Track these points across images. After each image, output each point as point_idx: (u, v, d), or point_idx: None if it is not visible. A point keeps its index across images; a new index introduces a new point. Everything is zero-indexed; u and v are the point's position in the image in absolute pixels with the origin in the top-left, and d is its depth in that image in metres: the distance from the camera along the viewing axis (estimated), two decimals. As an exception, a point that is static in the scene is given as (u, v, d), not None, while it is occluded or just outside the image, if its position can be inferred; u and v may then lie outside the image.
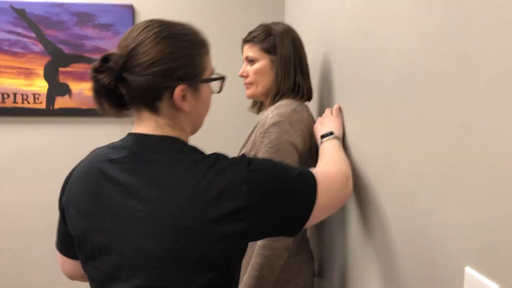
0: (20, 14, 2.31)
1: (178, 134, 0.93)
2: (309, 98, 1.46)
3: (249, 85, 1.45)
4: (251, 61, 1.43)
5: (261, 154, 1.28)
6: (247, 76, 1.44)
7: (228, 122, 2.49)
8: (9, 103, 2.33)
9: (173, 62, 0.89)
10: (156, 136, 0.91)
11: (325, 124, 1.30)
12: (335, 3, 1.43)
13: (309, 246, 1.50)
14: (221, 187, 0.84)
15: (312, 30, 1.78)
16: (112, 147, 0.93)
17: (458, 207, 0.71)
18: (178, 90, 0.89)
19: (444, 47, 0.74)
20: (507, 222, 0.60)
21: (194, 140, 0.95)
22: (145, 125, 0.92)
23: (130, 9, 2.36)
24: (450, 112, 0.72)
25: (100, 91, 0.89)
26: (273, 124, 1.28)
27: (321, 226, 1.63)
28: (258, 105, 1.58)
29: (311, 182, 0.93)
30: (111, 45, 2.34)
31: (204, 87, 0.95)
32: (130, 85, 0.88)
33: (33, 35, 2.32)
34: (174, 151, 0.90)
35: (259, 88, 1.43)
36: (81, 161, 0.97)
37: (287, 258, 1.31)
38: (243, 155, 0.92)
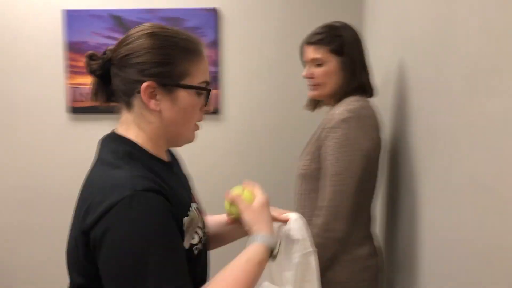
0: (117, 21, 2.54)
1: (137, 135, 0.96)
2: (371, 95, 1.49)
3: (316, 86, 1.47)
4: (318, 63, 1.45)
5: (325, 148, 1.34)
6: (312, 78, 1.47)
7: (284, 121, 2.56)
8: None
9: (148, 56, 0.92)
10: (113, 135, 0.99)
11: (258, 218, 1.03)
12: (408, 3, 1.45)
13: (375, 241, 1.53)
14: (87, 200, 0.88)
15: (386, 30, 1.80)
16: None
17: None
18: (145, 85, 0.91)
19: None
20: None
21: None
22: (120, 122, 0.99)
23: (214, 12, 2.50)
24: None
25: (94, 80, 0.99)
26: (342, 120, 1.33)
27: (394, 225, 1.66)
28: (314, 103, 1.60)
29: None
30: (197, 47, 2.51)
31: (183, 94, 0.94)
32: (114, 77, 0.96)
33: (128, 39, 2.54)
34: (106, 152, 0.96)
35: (327, 89, 1.46)
36: None
37: (352, 251, 1.37)
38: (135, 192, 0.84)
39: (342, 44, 1.43)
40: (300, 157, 1.51)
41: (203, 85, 0.97)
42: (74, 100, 2.58)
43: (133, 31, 0.96)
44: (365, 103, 1.40)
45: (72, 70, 2.57)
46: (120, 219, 0.83)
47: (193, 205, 1.03)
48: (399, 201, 1.60)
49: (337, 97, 1.46)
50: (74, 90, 2.58)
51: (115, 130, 1.00)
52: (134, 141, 0.96)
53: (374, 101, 1.55)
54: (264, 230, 0.99)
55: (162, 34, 0.95)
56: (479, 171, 0.92)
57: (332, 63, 1.44)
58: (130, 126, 0.97)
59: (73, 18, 2.54)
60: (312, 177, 1.42)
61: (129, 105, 0.97)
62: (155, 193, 0.86)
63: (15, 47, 2.59)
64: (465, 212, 0.99)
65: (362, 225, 1.45)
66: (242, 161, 2.62)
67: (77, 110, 2.59)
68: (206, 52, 1.00)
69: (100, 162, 0.96)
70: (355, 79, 1.44)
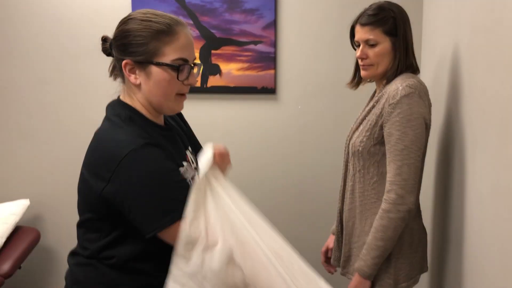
0: (181, 4, 2.68)
1: (133, 102, 1.17)
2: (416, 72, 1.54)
3: (368, 66, 1.51)
4: (372, 44, 1.48)
5: (390, 124, 1.38)
6: (366, 58, 1.50)
7: (339, 102, 2.59)
8: (171, 82, 2.73)
9: (125, 39, 1.12)
10: (115, 100, 1.21)
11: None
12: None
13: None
14: (99, 158, 1.09)
15: (443, 13, 1.79)
16: None
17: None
18: (124, 62, 1.13)
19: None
20: None
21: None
22: (121, 90, 1.22)
23: (273, -6, 2.57)
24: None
25: (111, 61, 1.21)
26: (405, 96, 1.37)
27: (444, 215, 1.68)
28: (356, 80, 1.65)
29: (167, 220, 1.03)
30: (256, 29, 2.58)
31: (156, 70, 1.11)
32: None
33: (191, 22, 2.67)
34: (110, 117, 1.17)
35: (379, 70, 1.50)
36: None
37: (412, 223, 1.44)
38: (136, 147, 1.04)
39: (395, 25, 1.46)
40: (352, 134, 1.56)
41: (178, 62, 1.12)
42: (141, 79, 2.76)
43: (129, 16, 1.15)
44: (421, 80, 1.45)
45: (140, 52, 2.74)
46: (131, 167, 1.03)
47: (185, 163, 1.20)
48: (450, 182, 1.62)
49: (388, 77, 1.50)
50: (141, 71, 2.75)
51: (120, 97, 1.22)
52: (133, 107, 1.17)
53: (426, 83, 1.57)
54: None
55: (139, 18, 1.12)
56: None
57: (385, 44, 1.47)
58: (126, 95, 1.19)
59: (140, 2, 2.70)
60: (370, 153, 1.47)
61: (123, 78, 1.19)
62: (154, 146, 1.07)
63: (88, 30, 2.79)
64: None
65: (417, 198, 1.51)
66: (296, 140, 2.70)
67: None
68: (188, 32, 1.15)
69: (107, 121, 1.17)
70: (407, 59, 1.48)
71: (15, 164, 2.95)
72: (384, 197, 1.39)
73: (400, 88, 1.38)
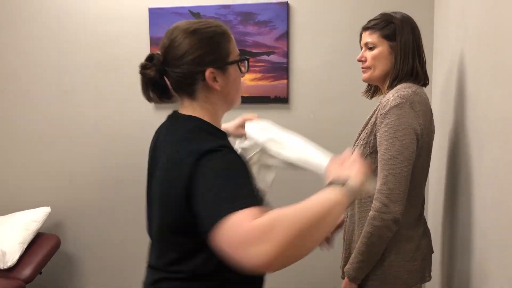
0: (196, 17, 2.76)
1: (208, 112, 1.16)
2: (425, 84, 1.53)
3: (366, 69, 1.55)
4: (370, 47, 1.52)
5: (380, 134, 1.41)
6: (365, 61, 1.54)
7: (351, 112, 2.62)
8: (187, 92, 2.81)
9: (200, 50, 1.11)
10: (184, 117, 1.16)
11: (344, 168, 1.08)
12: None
13: (426, 222, 1.60)
14: (174, 162, 1.07)
15: (451, 22, 1.82)
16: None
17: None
18: (208, 73, 1.11)
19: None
20: None
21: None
22: (184, 110, 1.17)
23: (285, 6, 2.64)
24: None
25: (148, 84, 1.16)
26: (395, 106, 1.39)
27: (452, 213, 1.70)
28: (372, 90, 1.67)
29: (234, 206, 0.87)
30: (269, 40, 2.65)
31: (231, 69, 1.15)
32: (171, 76, 1.14)
33: (206, 34, 2.75)
34: (183, 128, 1.13)
35: (376, 72, 1.53)
36: None
37: (405, 231, 1.45)
38: (209, 151, 1.02)
39: (394, 30, 1.49)
40: (355, 143, 1.60)
41: (240, 57, 1.18)
42: (158, 90, 2.84)
43: (174, 33, 1.14)
44: (418, 90, 1.45)
45: (156, 63, 2.83)
46: (211, 161, 1.01)
47: None
48: (457, 189, 1.65)
49: (388, 83, 1.53)
50: (158, 81, 2.83)
51: (181, 112, 1.18)
52: (202, 119, 1.16)
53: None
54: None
55: (200, 28, 1.13)
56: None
57: (382, 47, 1.51)
58: (195, 109, 1.16)
59: (157, 15, 2.79)
60: (367, 162, 1.50)
61: (191, 93, 1.15)
62: (231, 150, 1.09)
63: (108, 43, 2.89)
64: None
65: (416, 207, 1.52)
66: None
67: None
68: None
69: (180, 138, 1.12)
70: (405, 65, 1.49)
71: (37, 172, 3.06)
72: (372, 205, 1.43)
73: (391, 98, 1.41)
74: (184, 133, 1.13)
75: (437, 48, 2.30)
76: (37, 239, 2.78)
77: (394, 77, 1.50)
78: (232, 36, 1.18)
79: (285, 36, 2.65)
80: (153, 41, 2.81)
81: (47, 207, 2.88)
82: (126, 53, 2.88)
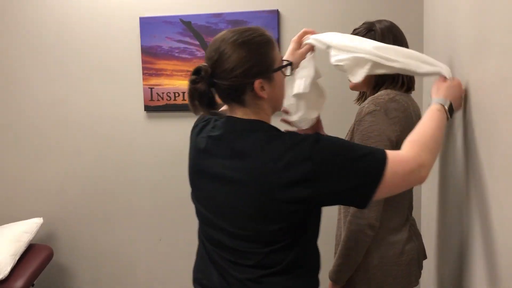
0: (187, 26, 2.77)
1: (260, 117, 1.19)
2: (409, 88, 1.53)
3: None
4: None
5: (355, 140, 1.42)
6: None
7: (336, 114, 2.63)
8: (179, 100, 2.81)
9: (249, 63, 1.14)
10: (244, 120, 1.19)
11: (441, 89, 1.29)
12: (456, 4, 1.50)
13: (414, 227, 1.59)
14: (289, 159, 1.09)
15: (439, 28, 1.84)
16: (214, 126, 1.24)
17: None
18: (257, 84, 1.15)
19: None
20: None
21: None
22: (236, 114, 1.20)
23: (276, 14, 2.65)
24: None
25: (194, 96, 1.18)
26: (368, 113, 1.40)
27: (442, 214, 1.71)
28: (364, 97, 1.66)
29: (380, 161, 1.09)
30: (260, 47, 2.66)
31: (276, 75, 1.19)
32: (220, 87, 1.17)
33: (197, 42, 2.76)
34: (256, 130, 1.16)
35: (364, 82, 1.51)
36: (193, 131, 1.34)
37: (389, 236, 1.45)
38: (317, 133, 1.13)
39: (374, 38, 1.49)
40: None
41: (284, 62, 1.22)
42: (150, 99, 2.84)
43: (222, 46, 1.15)
44: (397, 96, 1.44)
45: (148, 72, 2.83)
46: (328, 141, 1.12)
47: None
48: (448, 191, 1.66)
49: (371, 89, 1.54)
50: (149, 90, 2.84)
51: (240, 117, 1.20)
52: (264, 121, 1.20)
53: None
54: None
55: (248, 39, 1.15)
56: None
57: None
58: (249, 115, 1.20)
59: (148, 24, 2.80)
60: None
61: (241, 102, 1.18)
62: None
63: (99, 52, 2.89)
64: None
65: (400, 213, 1.51)
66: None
67: (152, 108, 2.85)
68: None
69: (261, 139, 1.15)
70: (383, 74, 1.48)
71: (28, 184, 3.04)
72: (350, 209, 1.45)
73: (366, 105, 1.42)
74: (263, 135, 1.15)
75: (427, 54, 2.32)
76: (30, 250, 2.75)
77: (375, 84, 1.52)
78: (275, 42, 1.21)
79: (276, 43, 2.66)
80: (144, 50, 2.82)
81: (39, 218, 2.86)
82: (117, 63, 2.88)
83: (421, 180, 1.14)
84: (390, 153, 1.11)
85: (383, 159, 1.10)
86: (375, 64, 1.31)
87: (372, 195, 1.10)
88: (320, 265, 1.28)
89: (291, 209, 1.11)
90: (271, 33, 1.23)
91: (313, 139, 1.11)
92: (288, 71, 1.23)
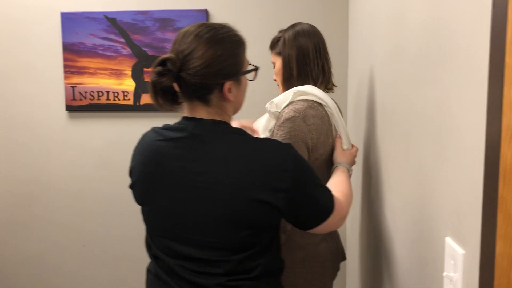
0: (112, 23, 2.66)
1: (223, 119, 1.13)
2: (328, 89, 1.59)
3: (278, 86, 1.63)
4: (274, 64, 1.60)
5: None
6: (275, 79, 1.63)
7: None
8: (103, 100, 2.70)
9: (222, 63, 1.08)
10: (209, 121, 1.11)
11: (346, 156, 1.49)
12: (376, 10, 1.54)
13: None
14: (268, 165, 1.05)
15: (361, 32, 1.89)
16: (169, 128, 1.15)
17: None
18: (227, 85, 1.09)
19: None
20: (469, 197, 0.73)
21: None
22: (198, 113, 1.12)
23: (204, 13, 2.61)
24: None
25: (158, 90, 1.09)
26: (287, 119, 1.42)
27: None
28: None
29: (331, 200, 1.15)
30: (188, 47, 2.61)
31: (244, 78, 1.17)
32: (186, 83, 1.08)
33: (123, 40, 2.66)
34: (225, 132, 1.10)
35: (281, 88, 1.61)
36: (140, 141, 1.23)
37: (302, 238, 1.47)
38: (289, 144, 1.12)
39: (281, 45, 1.56)
40: None
41: (251, 66, 1.19)
42: (72, 99, 2.70)
43: (195, 41, 1.07)
44: (314, 104, 1.48)
45: (69, 70, 2.69)
46: (300, 160, 1.12)
47: None
48: (370, 194, 1.70)
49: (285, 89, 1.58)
50: (71, 89, 2.70)
51: (204, 118, 1.13)
52: (228, 123, 1.16)
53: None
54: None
55: (224, 37, 1.09)
56: (426, 155, 1.02)
57: (278, 63, 1.59)
58: (214, 116, 1.13)
59: (70, 20, 2.66)
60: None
61: (206, 101, 1.11)
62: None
63: (17, 48, 2.71)
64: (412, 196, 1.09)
65: None
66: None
67: (74, 108, 2.72)
68: None
69: (234, 141, 1.10)
70: (291, 76, 1.55)
71: None
72: None
73: (286, 111, 1.45)
74: (239, 138, 1.11)
75: (351, 62, 2.39)
76: None
77: (285, 88, 1.57)
78: (246, 44, 1.17)
79: (205, 43, 2.62)
80: (66, 47, 2.68)
81: None
82: (36, 60, 2.72)
83: (338, 227, 1.24)
84: (335, 195, 1.19)
85: (332, 199, 1.16)
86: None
87: (315, 225, 1.15)
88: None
89: (263, 215, 1.07)
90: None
91: (294, 152, 1.10)
92: (252, 76, 1.20)
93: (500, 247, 0.62)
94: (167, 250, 1.14)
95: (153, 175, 1.13)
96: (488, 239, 0.65)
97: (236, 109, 1.19)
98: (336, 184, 1.31)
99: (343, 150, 1.50)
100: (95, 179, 2.78)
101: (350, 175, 1.43)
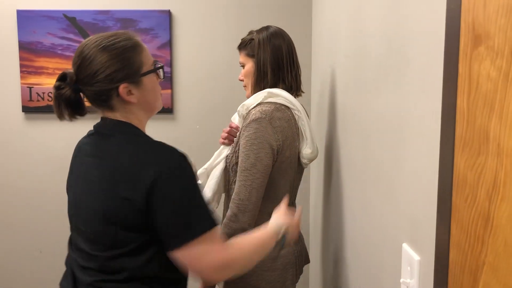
0: (72, 22, 2.58)
1: (130, 121, 1.17)
2: (296, 93, 1.59)
3: (244, 87, 1.62)
4: (242, 66, 1.59)
5: (240, 146, 1.46)
6: (242, 80, 1.61)
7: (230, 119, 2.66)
8: (62, 101, 2.61)
9: (111, 68, 1.12)
10: (113, 121, 1.17)
11: (281, 218, 1.29)
12: (338, 15, 1.56)
13: None
14: (145, 163, 1.07)
15: (323, 36, 1.90)
16: (94, 126, 1.22)
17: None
18: (121, 88, 1.13)
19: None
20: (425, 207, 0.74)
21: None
22: (106, 116, 1.18)
23: (167, 14, 2.57)
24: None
25: (61, 102, 1.15)
26: (254, 120, 1.44)
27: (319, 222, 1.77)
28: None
29: (211, 223, 1.08)
30: (151, 48, 2.56)
31: (145, 80, 1.17)
32: (86, 93, 1.16)
33: (83, 40, 2.58)
34: (121, 132, 1.16)
35: (249, 89, 1.60)
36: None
37: None
38: (182, 158, 1.12)
39: (253, 47, 1.56)
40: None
41: (155, 65, 1.20)
42: (29, 99, 2.61)
43: (85, 51, 1.13)
44: (282, 107, 1.48)
45: (26, 70, 2.60)
46: (185, 168, 1.12)
47: None
48: (330, 197, 1.71)
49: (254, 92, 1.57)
50: (28, 90, 2.61)
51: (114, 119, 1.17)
52: (131, 124, 1.18)
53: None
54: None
55: (110, 44, 1.13)
56: (384, 161, 1.03)
57: (249, 65, 1.58)
58: (119, 118, 1.17)
59: (27, 18, 2.57)
60: (234, 170, 1.53)
61: (110, 107, 1.16)
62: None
63: (-32, 46, 2.60)
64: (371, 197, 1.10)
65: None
66: (193, 159, 2.70)
67: (31, 109, 2.62)
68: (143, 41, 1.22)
69: (122, 138, 1.15)
70: (265, 79, 1.55)
71: None
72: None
73: (253, 112, 1.46)
74: (124, 137, 1.14)
75: (315, 61, 2.40)
76: None
77: (258, 87, 1.56)
78: (144, 46, 1.19)
79: (168, 45, 2.58)
80: (22, 46, 2.58)
81: None
82: (-10, 58, 2.61)
83: (212, 278, 1.17)
84: (218, 229, 1.10)
85: (212, 224, 1.08)
86: None
87: (183, 241, 1.06)
88: (185, 279, 1.21)
89: (128, 213, 1.08)
90: (162, 34, 1.19)
91: (178, 156, 1.11)
92: (161, 74, 1.22)
93: (453, 255, 0.62)
94: (71, 242, 1.25)
95: (71, 169, 1.26)
96: (442, 247, 0.66)
97: (147, 109, 1.21)
98: (246, 237, 1.21)
99: (286, 211, 1.33)
100: (52, 182, 2.68)
101: (282, 241, 1.25)
